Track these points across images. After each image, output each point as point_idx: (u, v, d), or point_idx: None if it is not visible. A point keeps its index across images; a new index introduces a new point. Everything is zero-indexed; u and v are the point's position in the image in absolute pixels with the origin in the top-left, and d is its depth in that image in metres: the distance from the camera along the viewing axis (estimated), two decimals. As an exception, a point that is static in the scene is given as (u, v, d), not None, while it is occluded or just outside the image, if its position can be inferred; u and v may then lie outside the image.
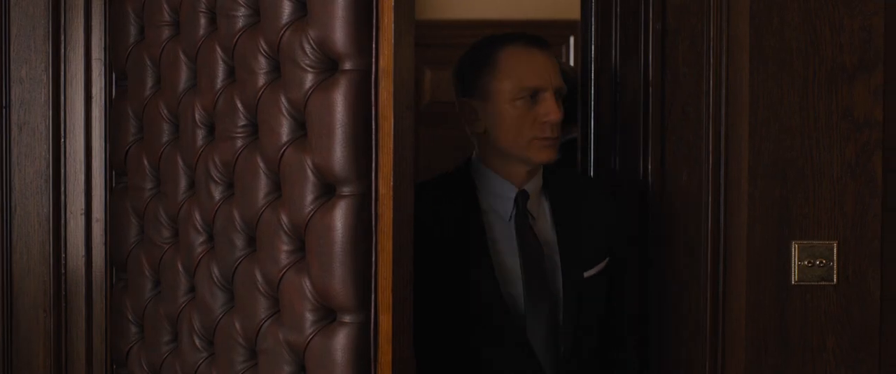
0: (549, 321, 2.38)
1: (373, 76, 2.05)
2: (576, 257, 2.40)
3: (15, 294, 2.89)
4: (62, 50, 2.87)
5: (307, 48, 2.11)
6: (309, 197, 2.10)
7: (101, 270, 2.87)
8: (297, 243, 2.17)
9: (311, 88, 2.11)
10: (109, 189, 2.85)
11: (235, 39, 2.25)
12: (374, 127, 2.04)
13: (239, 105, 2.27)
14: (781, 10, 2.70)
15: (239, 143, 2.28)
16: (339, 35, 2.05)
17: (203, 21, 2.37)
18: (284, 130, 2.16)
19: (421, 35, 3.58)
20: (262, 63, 2.21)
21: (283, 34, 2.14)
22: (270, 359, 2.19)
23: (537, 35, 2.40)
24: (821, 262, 2.71)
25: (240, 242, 2.30)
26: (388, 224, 2.03)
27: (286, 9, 2.13)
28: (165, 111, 2.50)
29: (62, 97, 2.87)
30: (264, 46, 2.20)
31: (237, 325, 2.29)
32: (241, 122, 2.27)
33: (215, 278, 2.35)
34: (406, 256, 2.05)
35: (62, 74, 2.87)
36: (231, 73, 2.30)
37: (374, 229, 2.05)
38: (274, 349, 2.18)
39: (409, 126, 2.03)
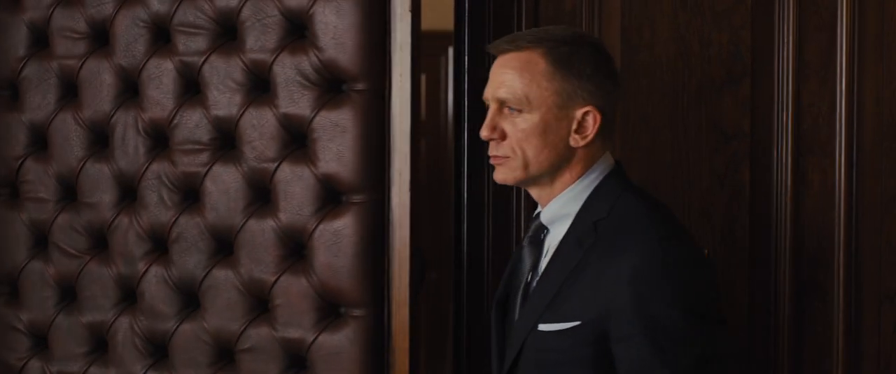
0: (498, 365, 2.14)
1: (387, 95, 2.40)
2: (541, 304, 2.01)
3: None
4: None
5: (309, 69, 2.43)
6: (310, 206, 2.43)
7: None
8: (292, 248, 2.48)
9: (316, 105, 2.43)
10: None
11: (205, 57, 2.52)
12: (388, 142, 2.40)
13: (206, 120, 2.52)
14: (652, 24, 2.72)
15: (206, 155, 2.52)
16: (350, 57, 2.40)
17: (146, 36, 2.57)
18: (276, 145, 2.46)
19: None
20: (242, 80, 2.50)
21: (277, 55, 2.43)
22: (258, 357, 2.49)
23: (527, 31, 2.13)
24: (690, 274, 2.73)
25: (207, 249, 2.54)
26: (406, 228, 2.41)
27: (278, 32, 2.45)
28: (83, 124, 2.64)
29: None
30: (245, 65, 2.49)
31: (206, 327, 2.54)
32: (209, 135, 2.52)
33: (171, 285, 2.56)
34: (414, 256, 2.41)
35: None
36: (190, 87, 2.51)
37: (388, 231, 2.41)
38: (263, 348, 2.48)
39: (418, 140, 2.41)
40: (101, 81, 2.63)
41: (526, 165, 2.03)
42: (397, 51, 2.40)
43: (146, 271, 2.59)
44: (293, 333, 2.47)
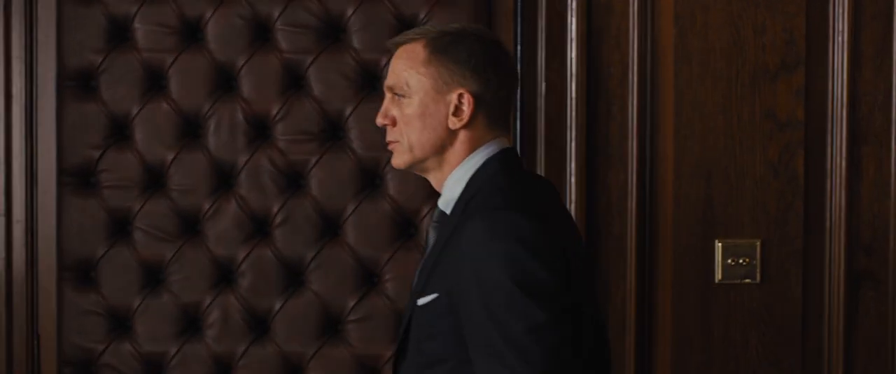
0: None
1: None
2: (422, 281, 2.11)
3: (-66, 297, 2.85)
4: (-20, 48, 2.83)
5: None
6: (423, 190, 2.68)
7: (21, 272, 2.82)
8: (403, 227, 2.76)
9: None
10: (31, 189, 2.81)
11: (315, 56, 2.74)
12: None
13: (314, 113, 2.74)
14: (705, 11, 2.71)
15: (314, 145, 2.75)
16: None
17: (246, 33, 2.73)
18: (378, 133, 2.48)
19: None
20: (353, 77, 2.73)
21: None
22: (371, 325, 2.76)
23: (416, 28, 2.25)
24: (744, 260, 2.74)
25: (314, 232, 2.75)
26: None
27: (388, 34, 2.62)
28: (174, 115, 2.76)
29: (-20, 96, 2.83)
30: (355, 63, 2.73)
31: (315, 302, 2.77)
32: (318, 127, 2.75)
33: (274, 266, 2.75)
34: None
35: (-20, 72, 2.83)
36: (294, 82, 2.68)
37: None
38: (376, 316, 2.76)
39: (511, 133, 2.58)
40: (194, 74, 2.74)
41: (411, 148, 2.13)
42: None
43: (249, 252, 2.76)
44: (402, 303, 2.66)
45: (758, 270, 2.76)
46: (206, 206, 2.76)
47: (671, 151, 2.75)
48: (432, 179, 2.17)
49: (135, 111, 2.76)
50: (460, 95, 2.11)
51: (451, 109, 2.11)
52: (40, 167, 2.81)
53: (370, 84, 2.72)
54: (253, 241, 2.76)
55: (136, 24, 2.75)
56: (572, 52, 2.75)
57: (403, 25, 2.71)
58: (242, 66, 2.75)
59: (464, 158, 2.13)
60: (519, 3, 2.76)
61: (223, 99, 2.75)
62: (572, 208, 2.76)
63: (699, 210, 2.75)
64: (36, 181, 2.82)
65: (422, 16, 2.71)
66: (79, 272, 2.78)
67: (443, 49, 2.12)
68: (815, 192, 2.74)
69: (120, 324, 2.78)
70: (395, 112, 2.12)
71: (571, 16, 2.75)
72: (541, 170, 2.77)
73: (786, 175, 2.73)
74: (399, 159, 2.13)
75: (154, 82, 2.76)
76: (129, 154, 2.76)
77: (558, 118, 2.76)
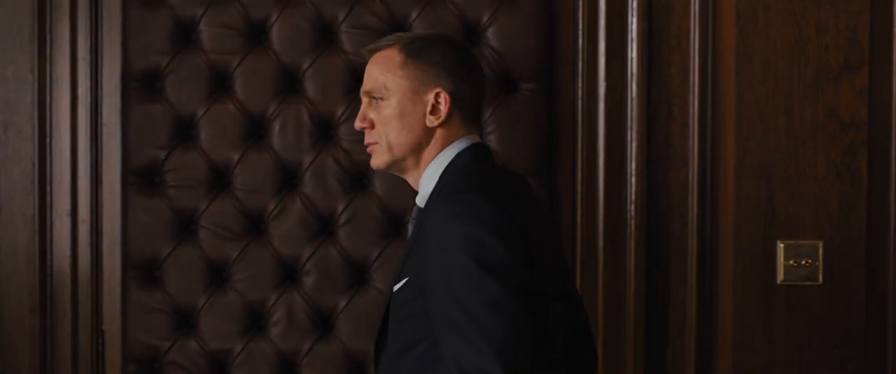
0: None
1: (547, 94, 2.76)
2: (397, 270, 2.22)
3: (1, 295, 2.88)
4: (48, 50, 2.84)
5: (488, 71, 2.68)
6: None
7: (86, 271, 2.86)
8: None
9: (494, 102, 2.73)
10: (96, 189, 2.85)
11: None
12: (555, 134, 2.77)
13: None
14: (766, 11, 2.71)
15: None
16: (522, 63, 2.73)
17: (311, 34, 2.77)
18: None
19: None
20: None
21: None
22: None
23: (387, 35, 2.33)
24: (806, 262, 2.74)
25: (378, 231, 2.77)
26: (569, 203, 2.80)
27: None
28: (239, 116, 2.79)
29: (48, 98, 2.85)
30: None
31: (379, 300, 2.73)
32: None
33: (339, 264, 2.78)
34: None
35: (48, 74, 2.84)
36: (360, 84, 2.63)
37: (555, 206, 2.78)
38: None
39: (568, 132, 2.79)
40: (260, 76, 2.77)
41: (390, 148, 2.22)
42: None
43: (314, 251, 2.78)
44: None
45: (820, 271, 2.75)
46: (271, 205, 2.79)
47: (732, 151, 2.74)
48: (410, 177, 2.27)
49: (200, 112, 2.79)
50: (437, 94, 2.21)
51: (429, 108, 2.21)
52: (105, 168, 2.85)
53: (434, 85, 2.74)
54: (317, 240, 2.79)
55: (202, 26, 2.78)
56: (633, 53, 2.76)
57: (467, 28, 2.73)
58: (307, 67, 2.77)
59: (437, 155, 2.23)
60: (579, 4, 2.77)
61: (288, 100, 2.77)
62: (632, 209, 2.77)
63: (760, 211, 2.75)
64: (101, 181, 2.86)
65: (484, 19, 2.73)
66: (144, 271, 2.81)
67: (416, 52, 2.22)
68: (879, 192, 2.73)
69: (185, 322, 2.81)
70: (372, 115, 2.22)
71: (632, 16, 2.76)
72: (601, 170, 2.78)
73: (849, 176, 2.72)
74: (378, 160, 2.23)
75: (220, 84, 2.79)
76: (194, 154, 2.79)
77: (619, 118, 2.77)
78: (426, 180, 2.23)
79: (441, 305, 2.06)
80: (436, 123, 2.21)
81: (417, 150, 2.23)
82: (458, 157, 2.23)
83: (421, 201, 2.24)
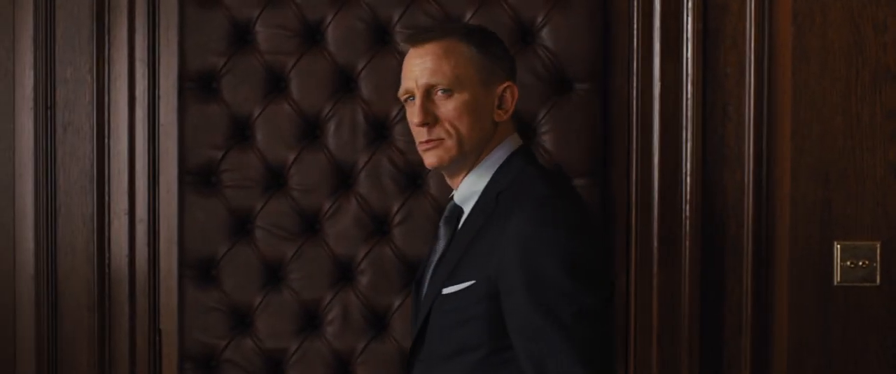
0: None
1: (602, 94, 2.76)
2: (446, 271, 2.10)
3: (60, 293, 2.92)
4: (106, 51, 2.88)
5: (542, 71, 2.73)
6: None
7: (144, 269, 2.89)
8: None
9: (549, 102, 2.73)
10: (153, 189, 2.89)
11: None
12: (603, 134, 2.75)
13: None
14: (824, 10, 2.69)
15: None
16: (577, 63, 2.73)
17: (366, 35, 2.78)
18: None
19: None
20: None
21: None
22: None
23: (434, 25, 2.25)
24: (864, 263, 2.71)
25: (432, 231, 2.59)
26: (624, 203, 2.79)
27: (507, 37, 2.59)
28: (295, 116, 2.80)
29: (106, 98, 2.89)
30: None
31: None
32: None
33: (394, 264, 2.79)
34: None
35: (106, 74, 2.88)
36: None
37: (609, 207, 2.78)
38: None
39: (623, 132, 2.79)
40: (315, 76, 2.79)
41: (460, 144, 2.12)
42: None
43: (369, 251, 2.79)
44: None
45: (877, 272, 2.73)
46: (327, 205, 2.80)
47: (788, 151, 2.73)
48: (458, 175, 2.17)
49: (256, 112, 2.81)
50: (506, 88, 2.15)
51: (497, 101, 2.14)
52: (162, 167, 2.88)
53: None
54: (372, 239, 2.80)
55: (258, 27, 2.80)
56: (688, 53, 2.75)
57: (521, 28, 2.73)
58: (362, 68, 2.78)
59: (491, 153, 2.16)
60: (634, 4, 2.76)
61: (343, 100, 2.78)
62: (687, 209, 2.76)
63: (817, 211, 2.73)
64: (158, 181, 2.89)
65: (539, 19, 2.73)
66: (200, 270, 2.83)
67: (482, 44, 2.14)
68: (937, 193, 2.70)
69: (241, 321, 2.83)
70: (438, 110, 2.11)
71: (687, 16, 2.75)
72: (655, 170, 2.77)
73: (907, 176, 2.69)
74: (446, 156, 2.12)
75: (275, 84, 2.81)
76: (250, 154, 2.81)
77: (674, 118, 2.76)
78: (474, 179, 2.16)
79: (524, 312, 2.00)
80: (504, 117, 2.16)
81: (482, 146, 2.15)
82: (514, 157, 2.17)
83: (462, 200, 2.18)
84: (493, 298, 2.05)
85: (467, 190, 2.17)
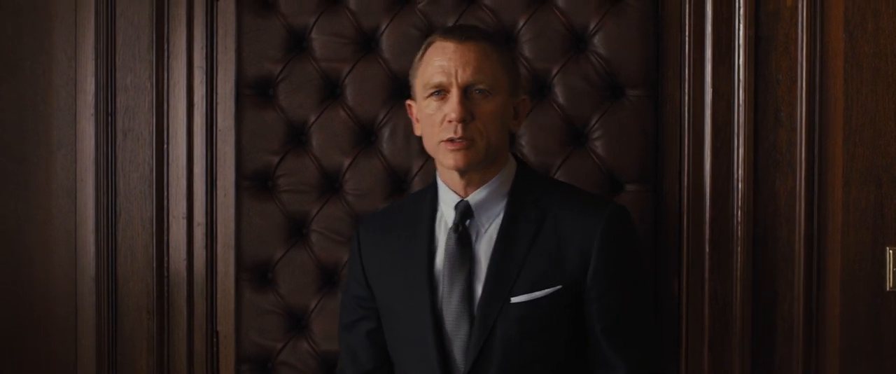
0: (462, 358, 2.15)
1: (654, 100, 2.76)
2: (505, 280, 2.09)
3: (119, 296, 2.97)
4: (165, 59, 2.93)
5: (593, 76, 2.73)
6: (593, 189, 2.67)
7: (201, 273, 2.94)
8: None
9: (601, 108, 2.73)
10: (211, 193, 2.94)
11: None
12: (655, 140, 2.76)
13: None
14: (876, 16, 2.69)
15: None
16: (629, 69, 2.74)
17: (420, 43, 2.72)
18: (556, 140, 2.71)
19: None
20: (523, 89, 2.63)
21: (564, 64, 2.71)
22: None
23: (471, 25, 2.28)
24: (916, 268, 2.71)
25: None
26: (676, 209, 2.79)
27: (559, 43, 2.73)
28: (350, 122, 2.82)
29: (165, 104, 2.94)
30: (527, 70, 2.72)
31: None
32: None
33: None
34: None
35: (165, 81, 2.94)
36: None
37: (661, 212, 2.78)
38: None
39: (674, 138, 2.80)
40: (370, 83, 2.82)
41: (488, 147, 2.15)
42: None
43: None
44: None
45: (930, 278, 2.72)
46: (381, 210, 2.84)
47: (840, 157, 2.73)
48: (473, 178, 2.19)
49: (312, 119, 2.85)
50: (524, 100, 2.23)
51: (513, 112, 2.20)
52: (220, 172, 2.93)
53: (541, 92, 2.75)
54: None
55: (314, 35, 2.84)
56: (739, 59, 2.76)
57: (574, 36, 2.75)
58: (416, 75, 2.82)
59: (506, 161, 2.22)
60: (686, 11, 2.78)
61: (397, 107, 2.81)
62: (739, 215, 2.77)
63: (869, 217, 2.73)
64: (216, 186, 2.94)
65: (591, 25, 2.75)
66: (257, 273, 2.88)
67: (508, 55, 2.21)
68: None
69: (297, 323, 2.87)
70: (475, 109, 2.13)
71: (739, 23, 2.76)
72: (707, 176, 2.78)
73: (959, 181, 2.69)
74: (475, 158, 2.13)
75: (331, 91, 2.85)
76: (306, 160, 2.85)
77: (725, 125, 2.77)
78: (497, 186, 2.19)
79: (614, 313, 2.15)
80: (517, 128, 2.24)
81: (500, 152, 2.20)
82: (523, 166, 2.26)
83: (480, 205, 2.18)
84: (576, 301, 2.14)
85: (489, 196, 2.19)
